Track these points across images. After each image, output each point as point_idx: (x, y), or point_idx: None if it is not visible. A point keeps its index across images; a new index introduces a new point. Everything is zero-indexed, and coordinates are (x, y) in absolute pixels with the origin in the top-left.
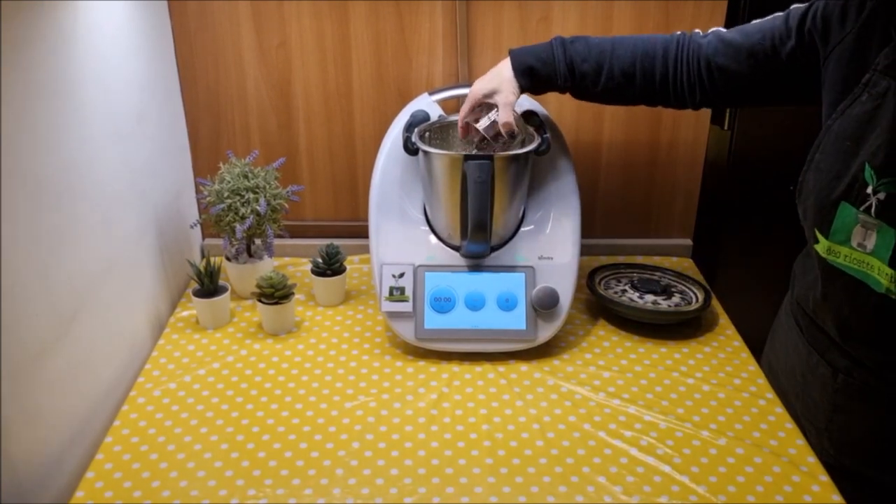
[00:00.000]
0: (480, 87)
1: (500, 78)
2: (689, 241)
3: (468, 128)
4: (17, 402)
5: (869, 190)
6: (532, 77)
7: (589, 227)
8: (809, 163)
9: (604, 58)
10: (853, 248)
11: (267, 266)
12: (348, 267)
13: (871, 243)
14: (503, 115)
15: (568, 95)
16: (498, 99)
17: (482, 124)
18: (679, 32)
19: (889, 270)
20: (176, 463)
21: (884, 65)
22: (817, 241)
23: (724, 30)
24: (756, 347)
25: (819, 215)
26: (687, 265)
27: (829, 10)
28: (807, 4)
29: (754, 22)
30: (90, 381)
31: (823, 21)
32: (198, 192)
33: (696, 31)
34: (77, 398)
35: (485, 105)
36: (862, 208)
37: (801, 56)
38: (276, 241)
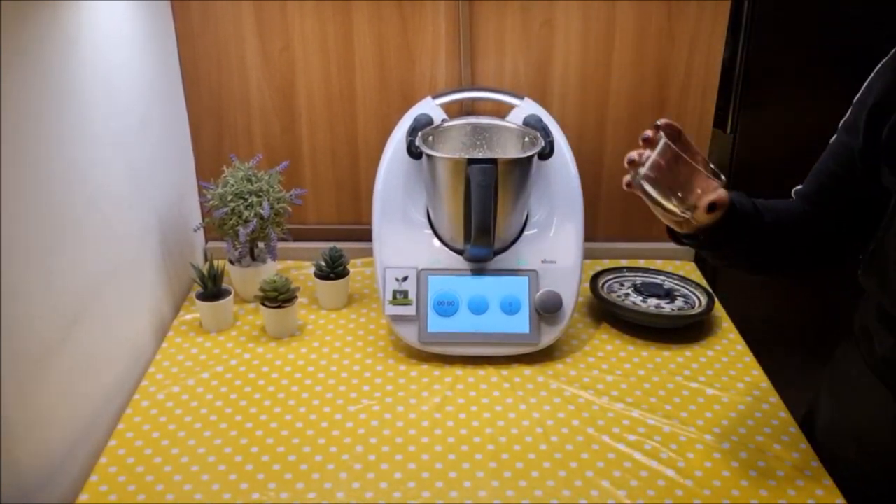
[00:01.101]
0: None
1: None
2: None
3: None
4: (20, 404)
5: None
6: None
7: (591, 231)
8: (886, 229)
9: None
10: None
11: (270, 269)
12: (351, 270)
13: None
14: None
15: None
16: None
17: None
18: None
19: None
20: (179, 466)
21: None
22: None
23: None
24: (758, 351)
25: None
26: (689, 269)
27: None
28: (850, 113)
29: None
30: (93, 384)
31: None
32: (201, 195)
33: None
34: (80, 401)
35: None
36: None
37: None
38: (279, 245)
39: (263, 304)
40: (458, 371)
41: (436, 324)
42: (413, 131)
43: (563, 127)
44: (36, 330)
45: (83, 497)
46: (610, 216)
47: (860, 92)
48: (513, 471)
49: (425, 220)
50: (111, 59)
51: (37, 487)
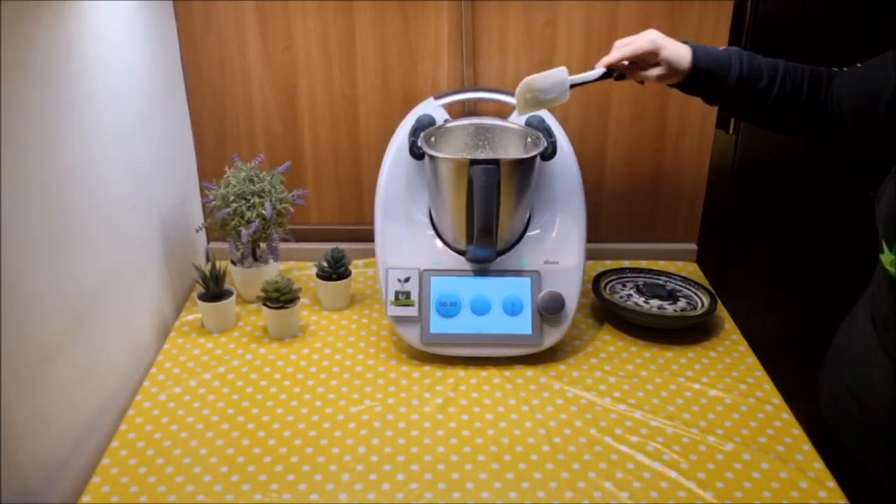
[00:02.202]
0: (660, 43)
1: (679, 53)
2: (693, 246)
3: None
4: (23, 405)
5: None
6: (703, 76)
7: (593, 232)
8: (894, 174)
9: (775, 81)
10: None
11: (272, 270)
12: (353, 271)
13: None
14: (652, 73)
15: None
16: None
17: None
18: (833, 69)
19: None
20: (181, 467)
21: None
22: (883, 252)
23: (858, 66)
24: (761, 352)
25: (890, 227)
26: (692, 270)
27: None
28: None
29: (874, 59)
30: (96, 385)
31: None
32: (203, 195)
33: (844, 69)
34: (83, 402)
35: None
36: None
37: None
38: (281, 245)
39: (265, 305)
40: (461, 372)
41: (438, 325)
42: (415, 132)
43: (565, 128)
44: (39, 331)
45: (85, 498)
46: (612, 216)
47: None
48: (515, 472)
49: (427, 221)
50: (113, 59)
51: (39, 488)
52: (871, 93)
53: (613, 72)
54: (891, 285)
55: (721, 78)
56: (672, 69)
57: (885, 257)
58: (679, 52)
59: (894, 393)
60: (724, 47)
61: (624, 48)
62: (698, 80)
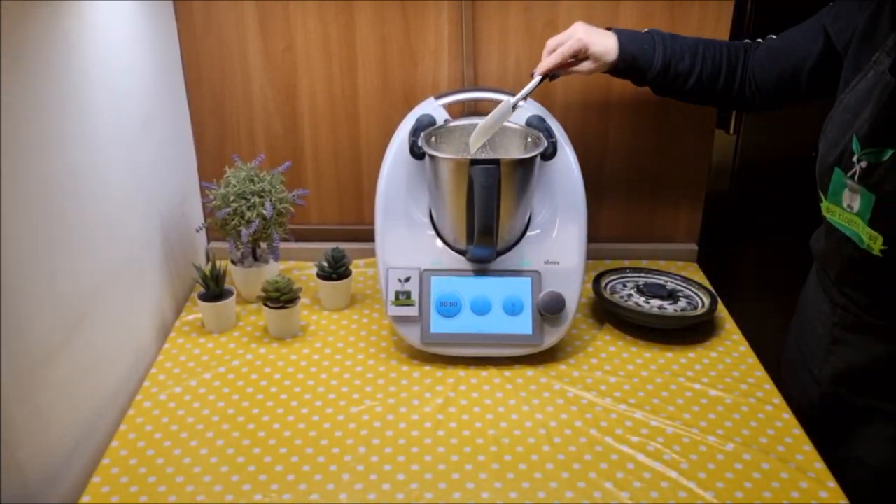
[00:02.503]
0: (586, 40)
1: (606, 47)
2: (694, 246)
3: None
4: (24, 405)
5: (854, 158)
6: (629, 64)
7: (593, 231)
8: (822, 132)
9: (696, 60)
10: (843, 209)
11: (272, 270)
12: (353, 271)
13: (856, 205)
14: (582, 68)
15: (572, 100)
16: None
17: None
18: (748, 41)
19: (868, 230)
20: (181, 467)
21: (890, 45)
22: (821, 201)
23: (773, 37)
24: (762, 352)
25: (820, 178)
26: (692, 270)
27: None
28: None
29: (794, 29)
30: (96, 385)
31: (844, 15)
32: (203, 195)
33: (759, 40)
34: (83, 402)
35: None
36: (849, 174)
37: (829, 59)
38: (281, 245)
39: (266, 305)
40: (461, 372)
41: (438, 325)
42: (416, 132)
43: (565, 128)
44: (39, 331)
45: (86, 498)
46: (611, 217)
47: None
48: (516, 472)
49: (428, 221)
50: (113, 59)
51: (39, 488)
52: (794, 61)
53: (548, 76)
54: (827, 229)
55: (646, 62)
56: (600, 62)
57: (822, 205)
58: (606, 46)
59: (829, 336)
60: (646, 29)
61: (554, 55)
62: (626, 67)
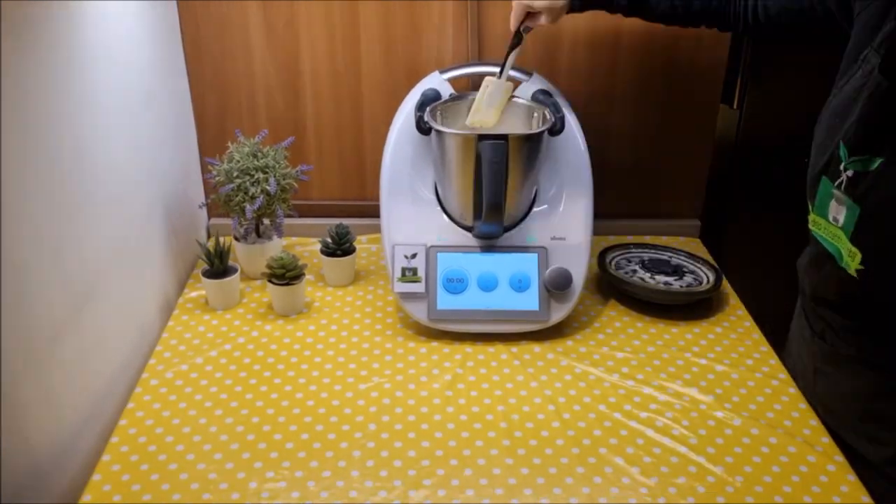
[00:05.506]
0: None
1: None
2: (697, 222)
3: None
4: (33, 383)
5: (842, 167)
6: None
7: (597, 207)
8: (813, 137)
9: None
10: (829, 222)
11: (276, 246)
12: (357, 247)
13: (841, 218)
14: (541, 21)
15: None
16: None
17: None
18: None
19: (849, 245)
20: (191, 445)
21: (878, 41)
22: (808, 213)
23: None
24: (766, 326)
25: (809, 188)
26: (695, 245)
27: None
28: None
29: None
30: (103, 363)
31: None
32: (205, 171)
33: None
34: (91, 380)
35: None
36: (836, 184)
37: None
38: (284, 221)
39: (270, 282)
40: (468, 348)
41: (445, 301)
42: (421, 106)
43: (571, 103)
44: (46, 308)
45: (96, 476)
46: (615, 192)
47: None
48: (526, 448)
49: (433, 197)
50: (116, 34)
51: (49, 467)
52: None
53: (520, 38)
54: (811, 244)
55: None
56: (553, 10)
57: (810, 216)
58: None
59: (812, 367)
60: None
61: (512, 18)
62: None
